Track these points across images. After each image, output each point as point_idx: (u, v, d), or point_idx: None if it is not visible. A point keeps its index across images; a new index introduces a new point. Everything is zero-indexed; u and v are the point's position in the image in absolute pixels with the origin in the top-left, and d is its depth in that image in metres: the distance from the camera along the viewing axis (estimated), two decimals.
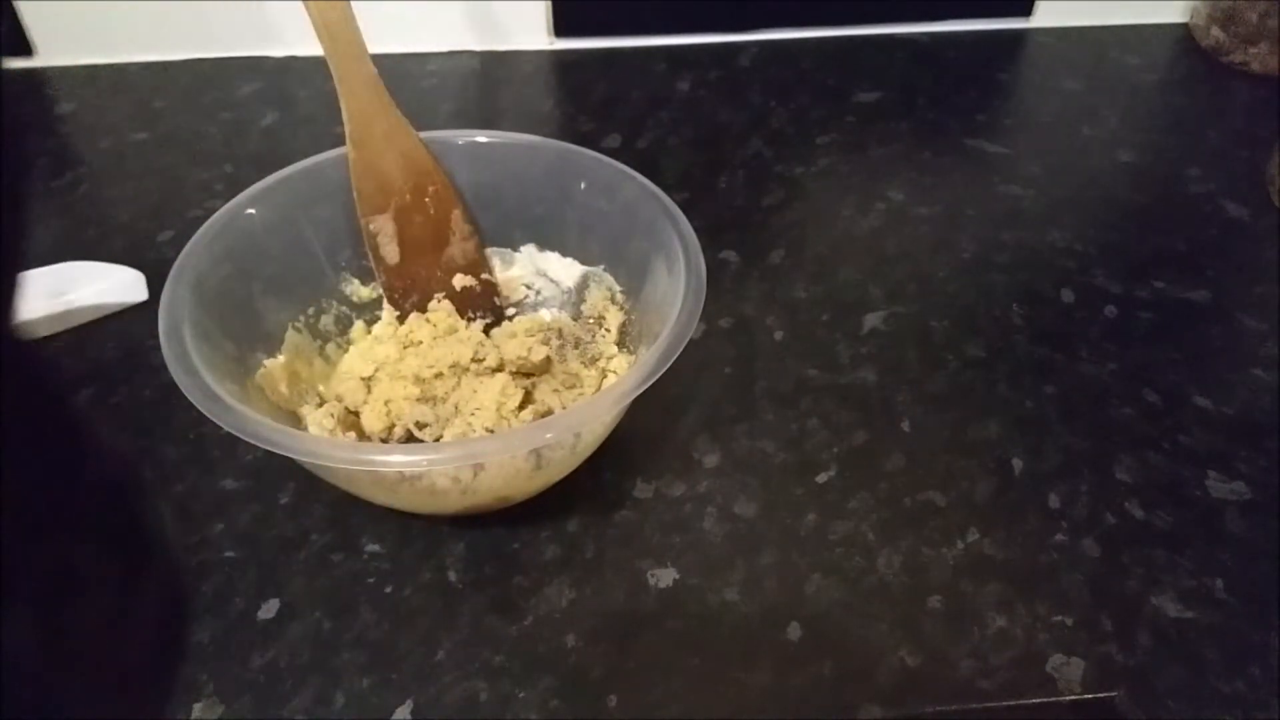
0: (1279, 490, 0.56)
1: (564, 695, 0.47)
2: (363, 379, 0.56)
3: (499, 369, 0.57)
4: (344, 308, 0.60)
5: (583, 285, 0.60)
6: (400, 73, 0.82)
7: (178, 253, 0.52)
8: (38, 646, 0.23)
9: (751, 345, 0.63)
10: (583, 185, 0.58)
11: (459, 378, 0.56)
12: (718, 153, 0.76)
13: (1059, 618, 0.50)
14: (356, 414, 0.55)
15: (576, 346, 0.60)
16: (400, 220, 0.59)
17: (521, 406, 0.55)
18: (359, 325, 0.60)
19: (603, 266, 0.59)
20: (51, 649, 0.23)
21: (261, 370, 0.54)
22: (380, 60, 0.55)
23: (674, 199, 0.55)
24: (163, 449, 0.56)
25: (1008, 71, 0.87)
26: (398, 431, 0.54)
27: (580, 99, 0.81)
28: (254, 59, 0.84)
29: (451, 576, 0.52)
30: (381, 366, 0.57)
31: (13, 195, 0.20)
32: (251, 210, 0.55)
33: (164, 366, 0.46)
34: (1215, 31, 0.85)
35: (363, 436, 0.54)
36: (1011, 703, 0.47)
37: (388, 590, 0.51)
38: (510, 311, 0.62)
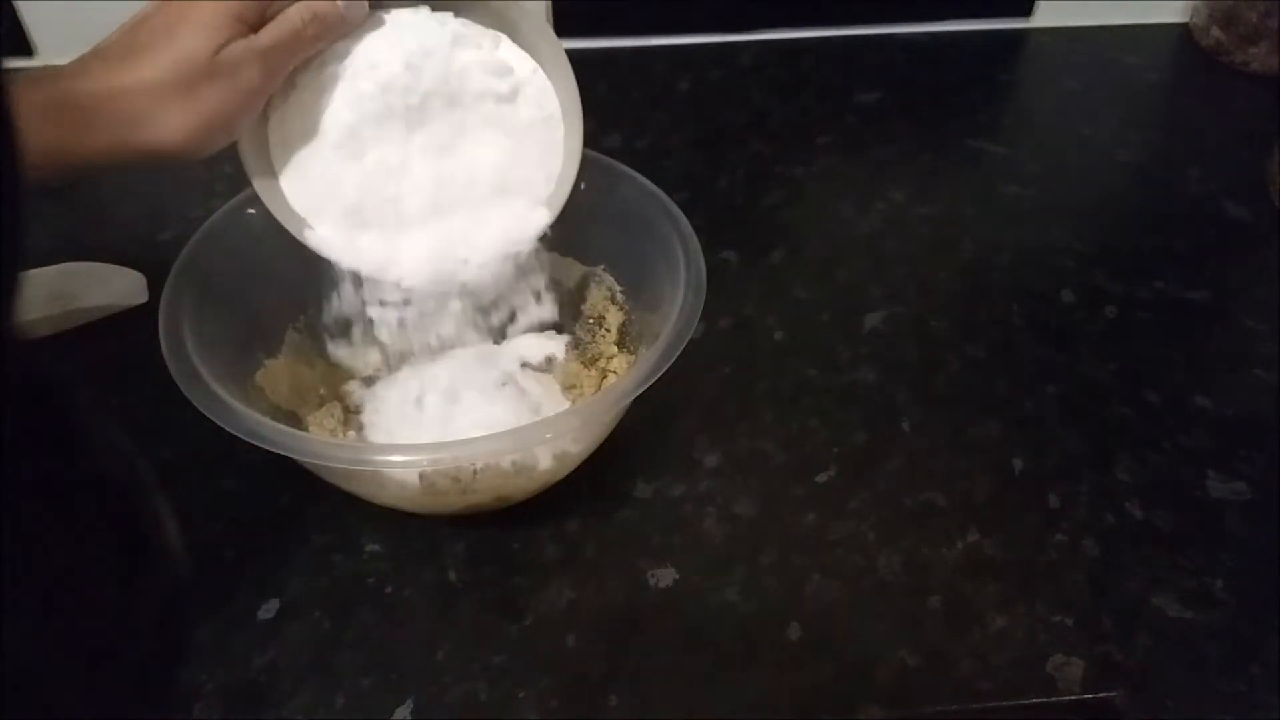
0: (1279, 490, 0.56)
1: (564, 695, 0.47)
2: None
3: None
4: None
5: (583, 285, 0.60)
6: None
7: (178, 253, 0.52)
8: (38, 647, 0.23)
9: (751, 345, 0.63)
10: (582, 185, 0.58)
11: None
12: (718, 153, 0.76)
13: (1059, 618, 0.50)
14: (357, 414, 0.55)
15: (576, 346, 0.60)
16: None
17: None
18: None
19: (603, 266, 0.59)
20: (52, 649, 0.23)
21: (261, 370, 0.54)
22: None
23: (674, 199, 0.55)
24: (163, 449, 0.55)
25: (1008, 71, 0.87)
26: None
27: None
28: None
29: (451, 576, 0.52)
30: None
31: (13, 195, 0.20)
32: (252, 210, 0.55)
33: (164, 366, 0.46)
34: (1215, 31, 0.85)
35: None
36: (1011, 703, 0.47)
37: (388, 590, 0.51)
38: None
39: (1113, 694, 0.48)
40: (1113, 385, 0.61)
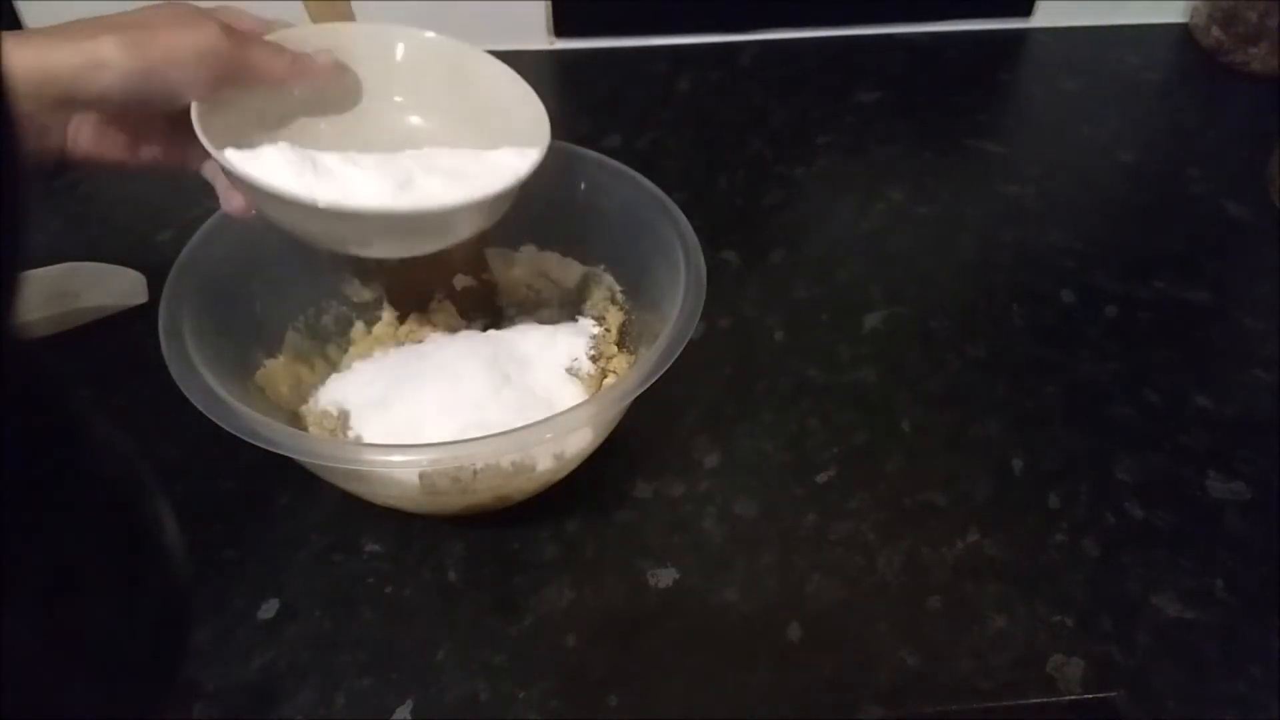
0: (1279, 490, 0.56)
1: (564, 695, 0.47)
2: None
3: None
4: (344, 308, 0.60)
5: (583, 285, 0.60)
6: None
7: (178, 253, 0.52)
8: (39, 646, 0.23)
9: (751, 345, 0.63)
10: (583, 185, 0.58)
11: None
12: (718, 153, 0.76)
13: (1059, 618, 0.50)
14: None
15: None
16: None
17: None
18: (359, 325, 0.60)
19: (603, 266, 0.59)
20: (52, 649, 0.23)
21: (261, 370, 0.54)
22: None
23: (674, 199, 0.55)
24: (163, 449, 0.55)
25: (1008, 71, 0.87)
26: None
27: (580, 99, 0.81)
28: None
29: (451, 576, 0.52)
30: None
31: (13, 195, 0.20)
32: (252, 210, 0.55)
33: (164, 366, 0.46)
34: (1215, 31, 0.85)
35: None
36: (1011, 703, 0.47)
37: (388, 590, 0.51)
38: (510, 312, 0.62)
39: (1113, 694, 0.48)
40: (1113, 385, 0.61)
